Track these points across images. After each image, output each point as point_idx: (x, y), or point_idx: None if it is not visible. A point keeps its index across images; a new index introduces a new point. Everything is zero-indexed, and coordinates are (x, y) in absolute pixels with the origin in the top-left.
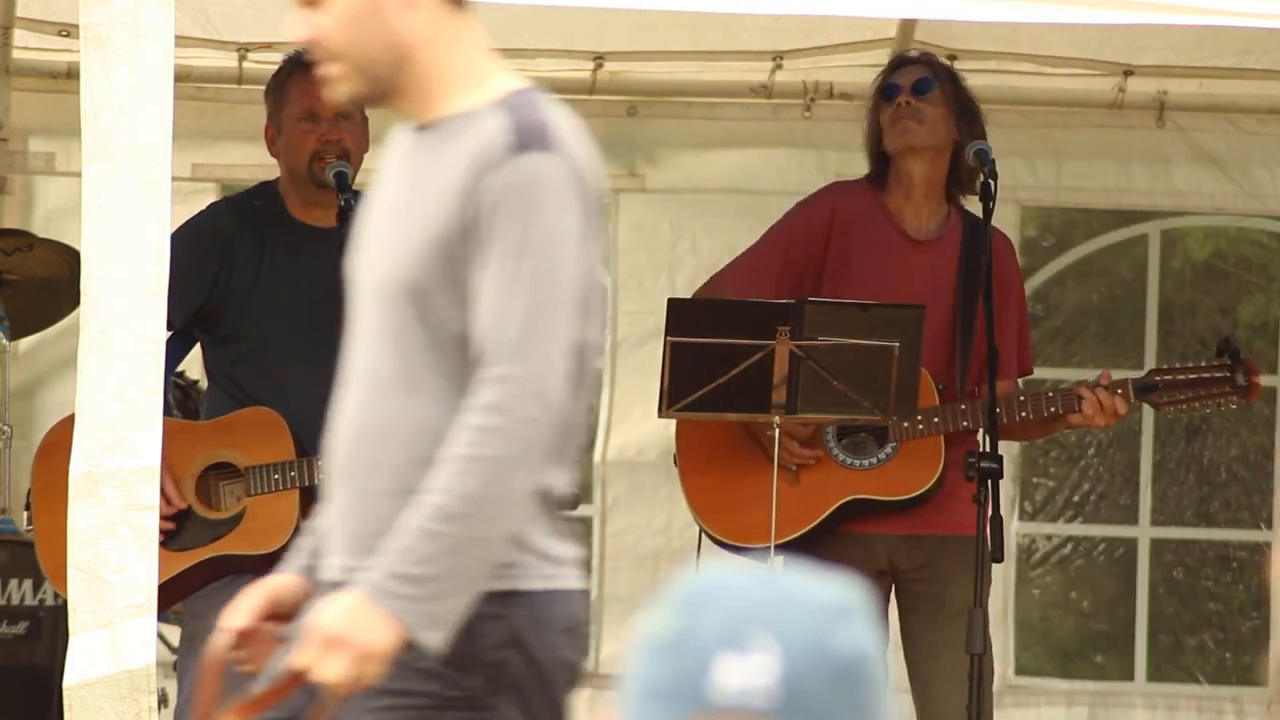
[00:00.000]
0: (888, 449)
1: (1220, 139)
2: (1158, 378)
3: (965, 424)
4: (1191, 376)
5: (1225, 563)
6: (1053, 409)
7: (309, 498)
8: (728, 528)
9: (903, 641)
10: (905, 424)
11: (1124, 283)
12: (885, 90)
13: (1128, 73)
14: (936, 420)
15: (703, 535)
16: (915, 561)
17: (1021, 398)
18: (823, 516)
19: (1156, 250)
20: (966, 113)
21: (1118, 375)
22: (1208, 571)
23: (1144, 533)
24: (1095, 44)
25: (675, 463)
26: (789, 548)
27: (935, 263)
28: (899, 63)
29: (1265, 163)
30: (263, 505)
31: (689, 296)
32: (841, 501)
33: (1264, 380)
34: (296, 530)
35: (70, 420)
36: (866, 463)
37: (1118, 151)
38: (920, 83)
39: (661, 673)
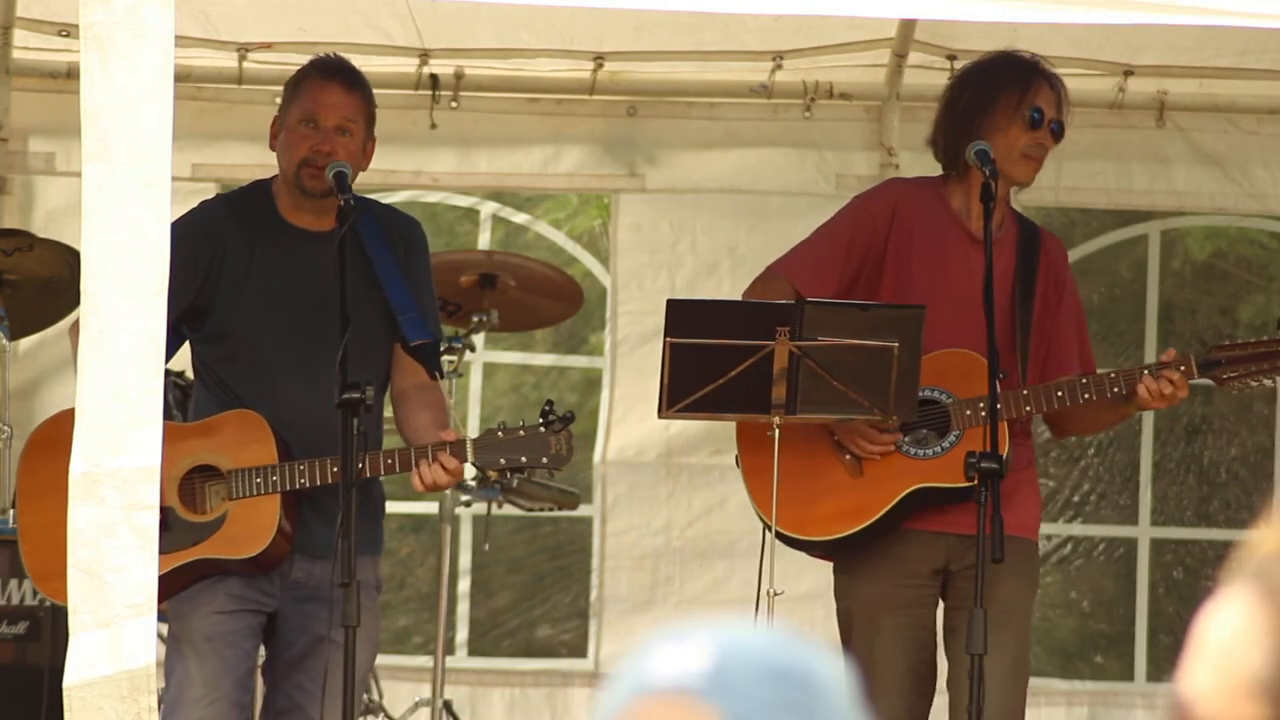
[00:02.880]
0: (951, 438)
1: (1220, 139)
2: (1220, 354)
3: (1028, 408)
4: (1253, 351)
5: (1225, 563)
6: (1116, 389)
7: (290, 501)
8: (794, 521)
9: (946, 638)
10: (968, 412)
11: (1124, 283)
12: (1032, 116)
13: (1128, 73)
14: (999, 407)
15: (766, 533)
16: (968, 560)
17: (1084, 379)
18: (889, 507)
19: (1156, 250)
20: None
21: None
22: (1208, 571)
23: (1144, 533)
24: (1095, 44)
25: (737, 463)
26: (853, 541)
27: (995, 259)
28: (1042, 78)
29: (1265, 163)
30: (244, 509)
31: (693, 296)
32: (907, 491)
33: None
34: (278, 534)
35: (55, 419)
36: (930, 452)
37: (1118, 151)
38: (1058, 127)
39: (612, 691)
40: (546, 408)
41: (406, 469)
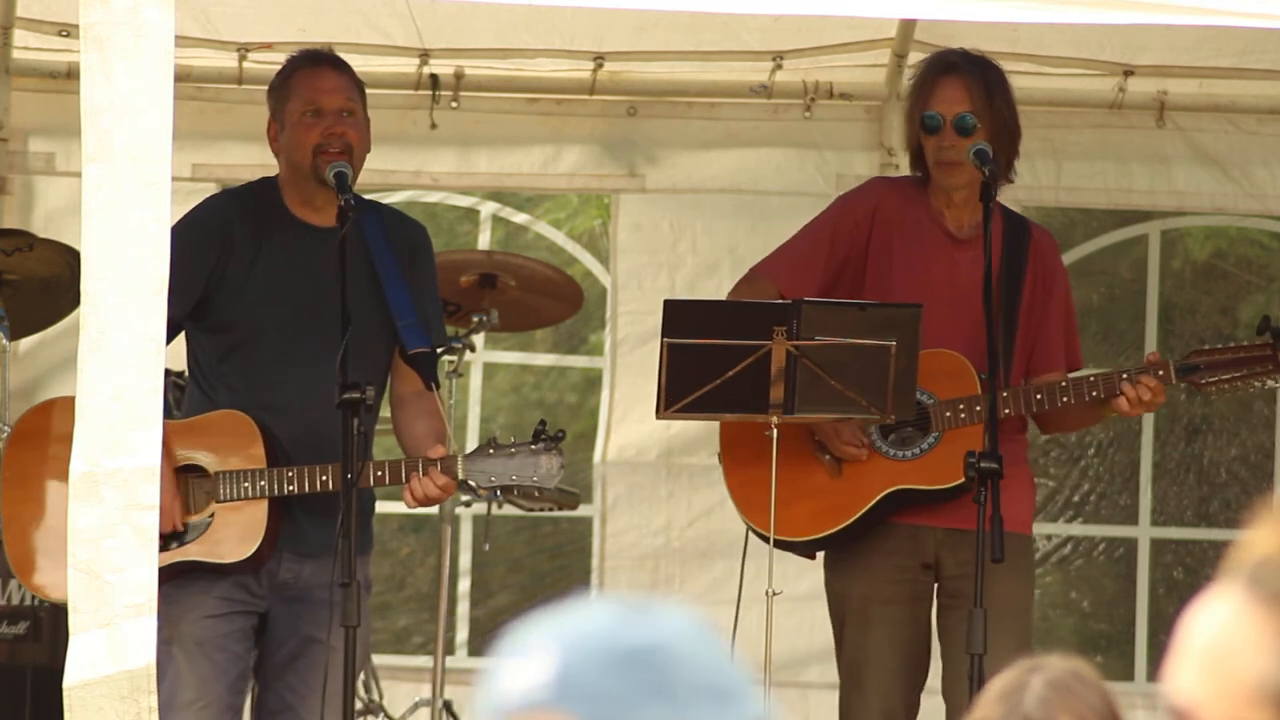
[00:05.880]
0: (930, 439)
1: (1220, 139)
2: (1199, 359)
3: (1007, 411)
4: (1233, 356)
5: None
6: (1094, 393)
7: (277, 507)
8: (774, 521)
9: (941, 638)
10: (948, 414)
11: (1124, 283)
12: (926, 122)
13: (1128, 73)
14: (979, 408)
15: (749, 532)
16: (960, 557)
17: (1063, 383)
18: (866, 508)
19: (1156, 250)
20: (1006, 127)
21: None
22: (1208, 571)
23: (1144, 533)
24: (1095, 44)
25: (719, 460)
26: (835, 539)
27: (976, 258)
28: (938, 69)
29: (1265, 163)
30: (231, 513)
31: (691, 297)
32: (885, 493)
33: None
34: (265, 539)
35: (38, 409)
36: (909, 454)
37: (1118, 151)
38: (961, 121)
39: None
40: (539, 427)
41: (397, 482)
